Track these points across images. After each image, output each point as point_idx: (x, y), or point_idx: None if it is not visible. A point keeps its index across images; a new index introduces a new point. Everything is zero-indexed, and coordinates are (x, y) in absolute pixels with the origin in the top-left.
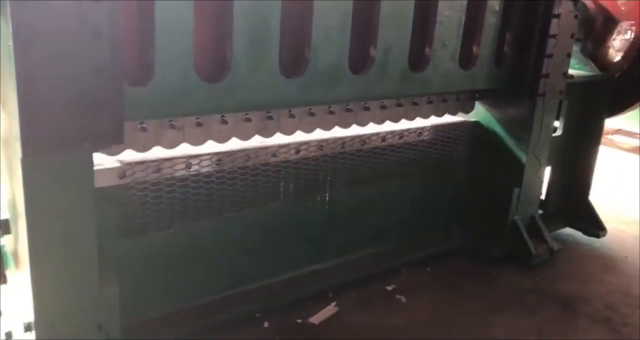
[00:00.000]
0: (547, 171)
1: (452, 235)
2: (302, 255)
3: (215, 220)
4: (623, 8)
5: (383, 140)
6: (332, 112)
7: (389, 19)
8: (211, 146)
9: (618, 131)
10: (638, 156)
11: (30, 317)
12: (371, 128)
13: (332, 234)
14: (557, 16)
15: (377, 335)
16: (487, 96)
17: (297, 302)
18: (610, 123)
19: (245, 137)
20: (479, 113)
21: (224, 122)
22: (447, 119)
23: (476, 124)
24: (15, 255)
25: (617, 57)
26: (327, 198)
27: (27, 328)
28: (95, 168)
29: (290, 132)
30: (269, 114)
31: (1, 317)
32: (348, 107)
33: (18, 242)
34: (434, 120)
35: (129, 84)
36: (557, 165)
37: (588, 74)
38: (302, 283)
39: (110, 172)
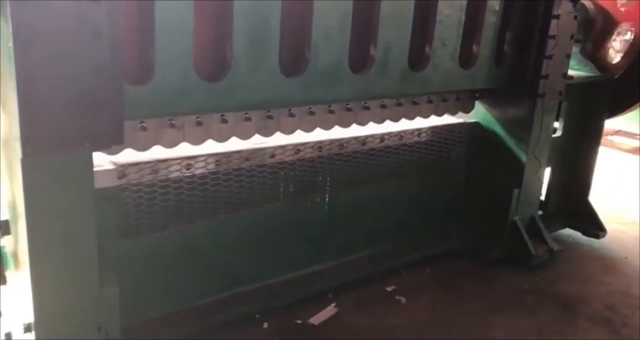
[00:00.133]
0: (547, 172)
1: (453, 236)
2: (302, 256)
3: (210, 222)
4: (623, 9)
5: (382, 140)
6: (332, 112)
7: (389, 18)
8: (212, 147)
9: (618, 132)
10: (638, 157)
11: (30, 317)
12: (370, 129)
13: (331, 234)
14: (557, 17)
15: (377, 335)
16: (487, 96)
17: (297, 303)
18: (610, 124)
19: (245, 136)
20: (479, 113)
21: (224, 121)
22: (446, 120)
23: (475, 125)
24: (15, 256)
25: (617, 58)
26: (327, 199)
27: (27, 329)
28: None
29: (290, 132)
30: (269, 113)
31: (1, 318)
32: (348, 106)
33: (18, 242)
34: (433, 121)
35: (129, 84)
36: (557, 166)
37: (588, 75)
38: (301, 284)
39: (109, 173)
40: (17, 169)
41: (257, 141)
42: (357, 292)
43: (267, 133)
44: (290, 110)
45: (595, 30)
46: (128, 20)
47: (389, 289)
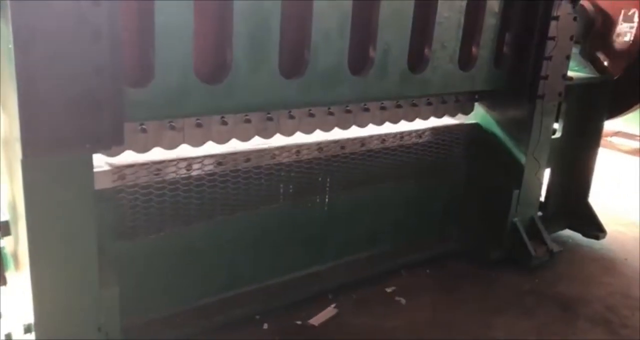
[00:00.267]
0: (547, 173)
1: (453, 237)
2: (302, 257)
3: (207, 223)
4: (622, 10)
5: (382, 141)
6: (331, 113)
7: (389, 20)
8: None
9: (617, 133)
10: (637, 158)
11: (30, 318)
12: (370, 130)
13: (331, 235)
14: (556, 18)
15: (377, 336)
16: (487, 97)
17: (297, 303)
18: (609, 125)
19: (245, 138)
20: (479, 114)
21: (224, 123)
22: (446, 121)
23: (475, 126)
24: (15, 256)
25: (616, 58)
26: (327, 200)
27: (27, 329)
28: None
29: (290, 134)
30: (268, 115)
31: (1, 318)
32: (348, 108)
33: (18, 243)
34: (432, 122)
35: (129, 85)
36: (556, 167)
37: (587, 76)
38: (301, 285)
39: (104, 174)
40: (17, 170)
41: (257, 142)
42: (357, 293)
43: (267, 135)
44: (290, 112)
45: (594, 31)
46: (128, 21)
47: (388, 289)
